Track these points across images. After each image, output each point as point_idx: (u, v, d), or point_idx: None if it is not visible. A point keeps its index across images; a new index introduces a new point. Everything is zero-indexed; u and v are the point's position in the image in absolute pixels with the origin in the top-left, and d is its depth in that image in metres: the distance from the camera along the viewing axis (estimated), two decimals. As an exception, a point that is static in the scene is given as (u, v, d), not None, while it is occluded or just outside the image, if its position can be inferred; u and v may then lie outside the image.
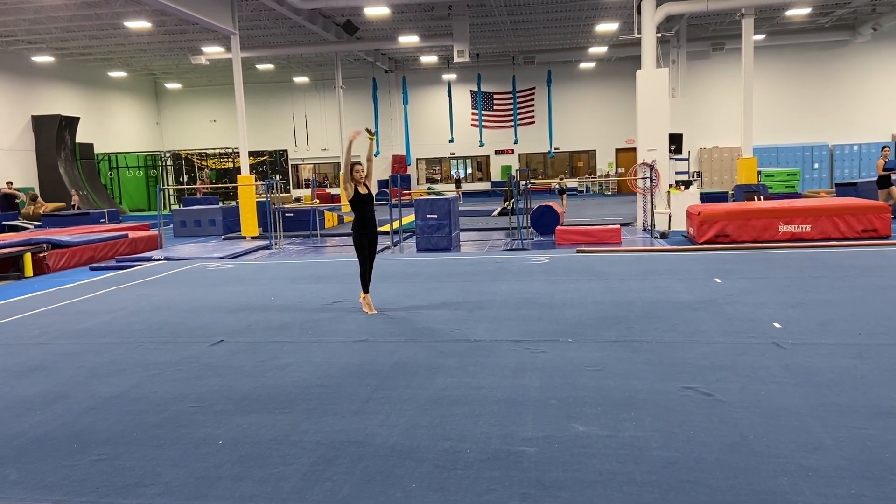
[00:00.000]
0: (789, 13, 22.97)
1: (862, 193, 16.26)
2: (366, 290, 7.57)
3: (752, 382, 4.68)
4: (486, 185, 33.39)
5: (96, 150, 28.92)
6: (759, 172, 20.51)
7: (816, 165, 29.08)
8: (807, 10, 23.17)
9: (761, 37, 26.08)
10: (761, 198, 15.84)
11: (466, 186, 33.28)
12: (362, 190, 7.59)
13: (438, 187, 33.47)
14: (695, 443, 3.77)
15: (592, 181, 32.42)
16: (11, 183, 22.81)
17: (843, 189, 17.98)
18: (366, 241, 7.47)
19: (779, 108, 29.35)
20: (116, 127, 31.50)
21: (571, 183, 32.00)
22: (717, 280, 8.45)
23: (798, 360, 5.12)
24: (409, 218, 16.40)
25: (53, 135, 25.43)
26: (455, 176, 34.21)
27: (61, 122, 25.74)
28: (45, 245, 12.91)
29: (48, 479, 3.70)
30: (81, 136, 27.32)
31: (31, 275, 12.40)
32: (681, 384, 4.71)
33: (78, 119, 26.94)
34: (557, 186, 21.93)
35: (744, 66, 18.04)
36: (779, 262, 9.78)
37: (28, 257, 12.41)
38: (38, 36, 23.01)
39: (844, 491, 3.19)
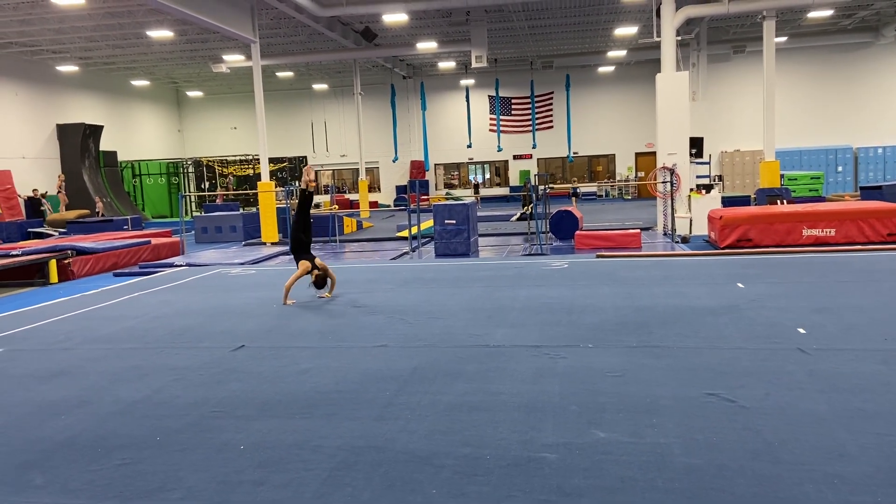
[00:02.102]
0: (811, 15, 22.74)
1: (887, 197, 16.00)
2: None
3: (776, 388, 4.62)
4: (504, 190, 33.40)
5: (120, 158, 29.33)
6: (782, 176, 20.31)
7: (840, 168, 28.72)
8: (829, 12, 22.92)
9: (783, 39, 25.85)
10: (784, 201, 15.67)
11: (484, 192, 33.28)
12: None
13: (456, 192, 33.52)
14: (718, 449, 3.72)
15: (612, 185, 32.26)
16: (37, 191, 23.21)
17: (868, 192, 17.73)
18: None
19: (801, 110, 29.05)
20: (139, 135, 31.93)
21: (590, 187, 31.88)
22: (740, 285, 8.36)
23: (823, 366, 5.05)
24: (427, 223, 16.42)
25: (78, 143, 25.82)
26: (473, 181, 34.18)
27: (85, 131, 26.14)
28: (69, 251, 13.10)
29: (72, 483, 3.74)
30: (105, 144, 27.72)
31: (57, 281, 12.59)
32: (703, 390, 4.66)
33: (102, 127, 27.33)
34: (571, 189, 22.09)
35: (765, 69, 17.88)
36: (802, 266, 9.66)
37: (53, 264, 12.60)
38: (63, 45, 23.41)
39: (871, 499, 3.14)
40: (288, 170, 33.64)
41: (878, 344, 5.57)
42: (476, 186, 33.28)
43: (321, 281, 8.70)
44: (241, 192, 27.85)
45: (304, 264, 8.66)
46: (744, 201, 18.60)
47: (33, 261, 12.40)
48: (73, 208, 23.91)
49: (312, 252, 8.93)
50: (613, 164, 33.06)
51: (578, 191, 23.08)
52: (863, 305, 6.95)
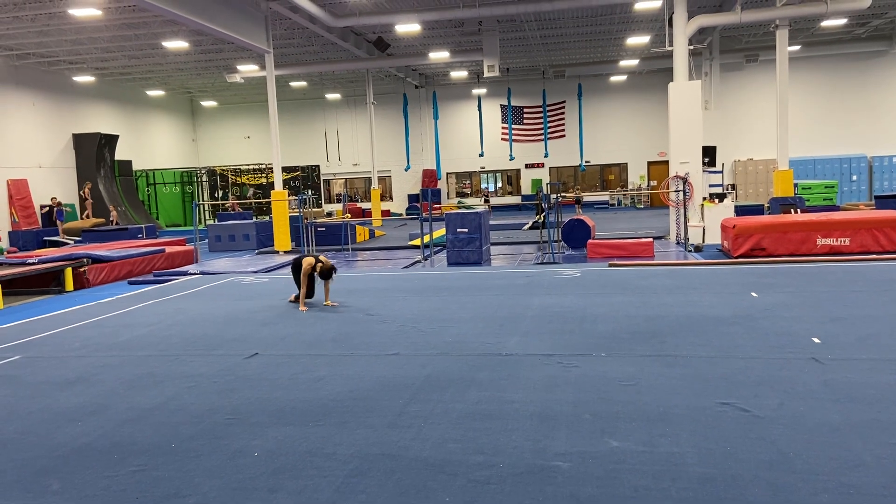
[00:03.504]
0: (825, 24, 22.67)
1: (902, 205, 15.88)
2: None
3: (790, 398, 4.60)
4: (516, 199, 33.41)
5: (135, 167, 29.61)
6: (796, 185, 20.20)
7: (855, 177, 28.51)
8: (843, 21, 22.84)
9: (796, 48, 25.76)
10: (798, 210, 15.58)
11: (495, 200, 33.27)
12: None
13: (468, 201, 33.57)
14: (732, 459, 3.71)
15: (624, 194, 32.21)
16: (55, 199, 23.46)
17: (883, 201, 17.60)
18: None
19: (815, 119, 28.90)
20: (154, 144, 32.22)
21: (603, 196, 31.84)
22: (754, 294, 8.32)
23: (838, 376, 5.02)
24: (439, 232, 16.45)
25: (93, 152, 26.10)
26: (484, 191, 34.05)
27: (101, 140, 26.41)
28: (85, 260, 13.22)
29: (88, 490, 3.78)
30: (120, 154, 27.99)
31: (72, 289, 12.71)
32: (717, 399, 4.64)
33: (117, 137, 27.61)
34: (574, 198, 22.15)
35: (778, 78, 17.82)
36: (817, 276, 9.60)
37: (69, 272, 12.72)
38: (79, 56, 23.69)
39: (888, 510, 3.12)
40: (301, 178, 33.83)
41: (894, 354, 5.52)
42: (486, 197, 33.02)
43: (326, 272, 8.73)
44: (254, 200, 28.01)
45: (308, 259, 8.88)
46: (757, 210, 18.51)
47: (49, 269, 12.52)
48: (84, 218, 24.13)
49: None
50: (626, 172, 33.00)
51: (581, 199, 23.09)
52: (878, 315, 6.90)
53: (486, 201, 32.12)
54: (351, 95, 33.12)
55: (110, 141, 27.16)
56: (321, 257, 8.93)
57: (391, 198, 34.70)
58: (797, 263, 10.97)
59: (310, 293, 9.08)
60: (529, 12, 18.95)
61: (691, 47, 17.41)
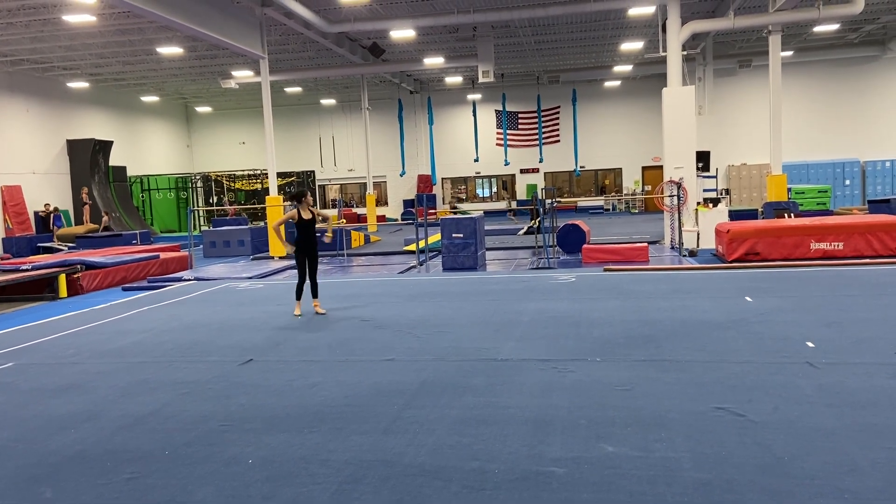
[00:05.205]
0: (817, 29, 22.78)
1: (895, 210, 15.95)
2: (297, 298, 8.83)
3: (785, 403, 4.60)
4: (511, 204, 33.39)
5: (129, 173, 29.53)
6: (789, 189, 20.27)
7: (848, 182, 28.63)
8: (835, 26, 22.95)
9: (789, 53, 25.88)
10: (792, 215, 15.63)
11: (490, 206, 33.13)
12: (305, 215, 8.92)
13: (463, 206, 33.53)
14: (727, 464, 3.71)
15: (619, 199, 32.27)
16: (49, 205, 23.39)
17: (876, 206, 17.68)
18: (305, 258, 8.81)
19: (808, 124, 29.03)
20: (148, 150, 32.15)
21: (597, 201, 31.90)
22: (748, 298, 8.34)
23: (832, 380, 5.03)
24: (434, 237, 16.44)
25: (88, 158, 26.01)
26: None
27: (95, 146, 26.34)
28: (79, 266, 13.17)
29: (82, 497, 3.76)
30: (115, 160, 27.92)
31: (66, 295, 12.65)
32: (712, 404, 4.64)
33: (111, 143, 27.54)
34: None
35: (771, 83, 17.90)
36: (811, 280, 9.62)
37: (63, 278, 12.67)
38: (74, 62, 23.65)
39: (883, 514, 3.12)
40: (296, 184, 33.81)
41: (888, 358, 5.54)
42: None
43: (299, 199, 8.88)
44: (249, 206, 27.95)
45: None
46: (751, 215, 18.55)
47: (43, 275, 12.47)
48: (82, 223, 24.05)
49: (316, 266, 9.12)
50: (620, 177, 33.08)
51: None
52: (872, 319, 6.92)
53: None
54: (346, 101, 33.13)
55: (105, 147, 27.08)
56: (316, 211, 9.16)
57: (386, 203, 34.69)
58: (791, 268, 11.00)
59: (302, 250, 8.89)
60: (524, 18, 19.00)
61: (685, 53, 17.47)
